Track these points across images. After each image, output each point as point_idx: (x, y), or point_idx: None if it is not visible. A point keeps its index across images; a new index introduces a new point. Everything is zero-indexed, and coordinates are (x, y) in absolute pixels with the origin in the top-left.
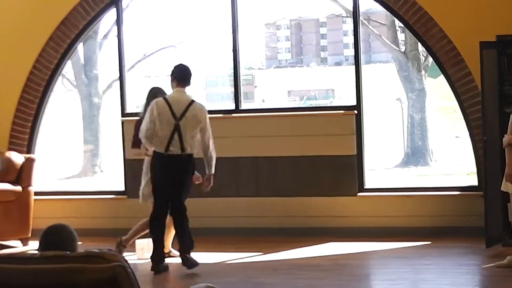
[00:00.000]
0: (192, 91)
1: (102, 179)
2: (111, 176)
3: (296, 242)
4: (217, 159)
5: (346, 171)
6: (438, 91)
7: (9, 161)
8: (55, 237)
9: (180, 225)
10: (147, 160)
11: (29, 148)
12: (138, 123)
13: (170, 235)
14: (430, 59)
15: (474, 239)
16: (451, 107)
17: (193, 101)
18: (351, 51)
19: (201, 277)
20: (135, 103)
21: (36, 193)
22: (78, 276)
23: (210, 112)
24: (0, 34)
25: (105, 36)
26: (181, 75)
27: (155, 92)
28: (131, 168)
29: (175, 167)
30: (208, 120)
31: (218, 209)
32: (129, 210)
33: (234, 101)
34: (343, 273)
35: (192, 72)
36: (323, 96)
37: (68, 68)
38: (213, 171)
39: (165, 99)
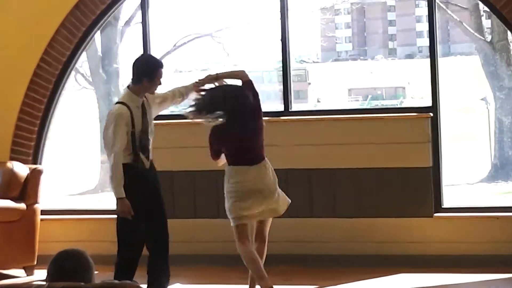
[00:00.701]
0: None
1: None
2: None
3: (358, 273)
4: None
5: (420, 187)
6: None
7: (12, 174)
8: (67, 265)
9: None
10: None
11: (35, 158)
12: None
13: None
14: None
15: None
16: None
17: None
18: (425, 41)
19: None
20: None
21: (43, 212)
22: None
23: None
24: (2, 21)
25: (128, 23)
26: None
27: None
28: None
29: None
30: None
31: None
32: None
33: (283, 101)
34: None
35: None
36: (392, 95)
37: (83, 62)
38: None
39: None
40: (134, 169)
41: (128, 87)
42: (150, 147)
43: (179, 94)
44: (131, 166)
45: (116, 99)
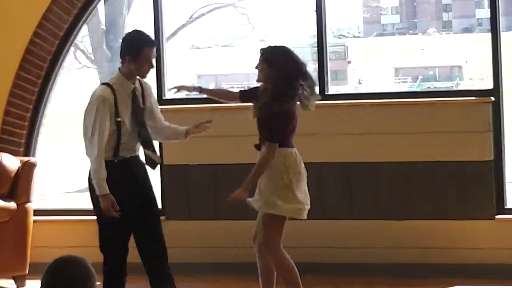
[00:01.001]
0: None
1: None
2: None
3: (408, 285)
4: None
5: (479, 184)
6: None
7: (0, 167)
8: (64, 275)
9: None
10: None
11: (27, 149)
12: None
13: None
14: None
15: None
16: None
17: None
18: (485, 12)
19: None
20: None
21: (36, 212)
22: None
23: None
24: None
25: None
26: None
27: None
28: (172, 178)
29: None
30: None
31: (290, 235)
32: (169, 237)
33: (318, 83)
34: None
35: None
36: (446, 76)
37: (83, 36)
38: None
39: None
40: (114, 166)
41: (119, 68)
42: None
43: (155, 123)
44: (110, 162)
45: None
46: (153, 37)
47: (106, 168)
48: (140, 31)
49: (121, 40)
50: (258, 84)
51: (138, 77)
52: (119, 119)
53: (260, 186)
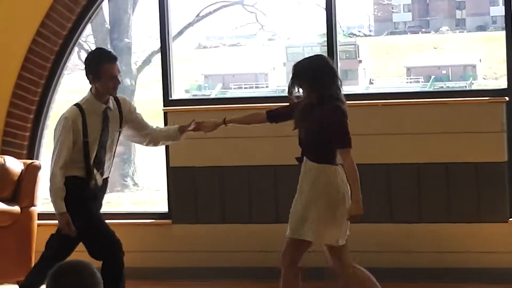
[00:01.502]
0: (267, 67)
1: (136, 196)
2: (149, 192)
3: None
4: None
5: (493, 186)
6: None
7: (3, 170)
8: (69, 280)
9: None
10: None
11: (30, 151)
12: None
13: None
14: None
15: None
16: None
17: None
18: (500, 10)
19: None
20: (185, 86)
21: (40, 216)
22: None
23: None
24: None
25: None
26: None
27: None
28: (178, 181)
29: None
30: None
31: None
32: (175, 241)
33: None
34: None
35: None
36: (459, 75)
37: (87, 36)
38: None
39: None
40: (82, 184)
41: (90, 89)
42: (108, 162)
43: (146, 132)
44: (79, 181)
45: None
46: (158, 36)
47: (76, 185)
48: (100, 48)
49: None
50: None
51: (109, 96)
52: (86, 140)
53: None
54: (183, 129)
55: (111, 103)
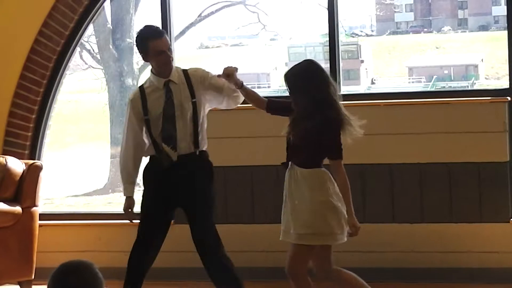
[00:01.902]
0: (269, 67)
1: (137, 195)
2: None
3: None
4: None
5: (495, 186)
6: None
7: (4, 170)
8: (72, 281)
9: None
10: None
11: (32, 152)
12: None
13: None
14: None
15: None
16: None
17: None
18: (502, 9)
19: None
20: None
21: (42, 216)
22: None
23: None
24: None
25: None
26: None
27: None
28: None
29: None
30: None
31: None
32: (178, 242)
33: None
34: None
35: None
36: (461, 75)
37: (89, 36)
38: None
39: None
40: (154, 163)
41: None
42: (184, 137)
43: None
44: (152, 160)
45: (128, 80)
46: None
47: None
48: (146, 26)
49: None
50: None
51: (178, 69)
52: (146, 117)
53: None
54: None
55: (175, 76)
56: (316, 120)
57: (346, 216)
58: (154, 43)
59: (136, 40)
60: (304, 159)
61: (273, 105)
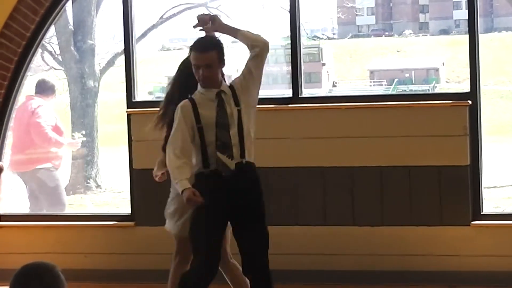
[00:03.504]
0: (231, 70)
1: (99, 197)
2: (112, 194)
3: None
4: None
5: (455, 190)
6: None
7: None
8: (33, 283)
9: None
10: None
11: None
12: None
13: None
14: None
15: None
16: None
17: None
18: (463, 14)
19: None
20: (148, 88)
21: (3, 218)
22: None
23: (259, 101)
24: None
25: None
26: None
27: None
28: (142, 183)
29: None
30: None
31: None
32: (138, 243)
33: (291, 85)
34: None
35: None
36: (422, 79)
37: (51, 37)
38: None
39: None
40: (208, 176)
41: None
42: (238, 145)
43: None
44: (206, 172)
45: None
46: (122, 38)
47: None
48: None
49: None
50: None
51: (224, 82)
52: (200, 125)
53: None
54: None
55: (225, 87)
56: None
57: None
58: (193, 56)
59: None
60: None
61: None
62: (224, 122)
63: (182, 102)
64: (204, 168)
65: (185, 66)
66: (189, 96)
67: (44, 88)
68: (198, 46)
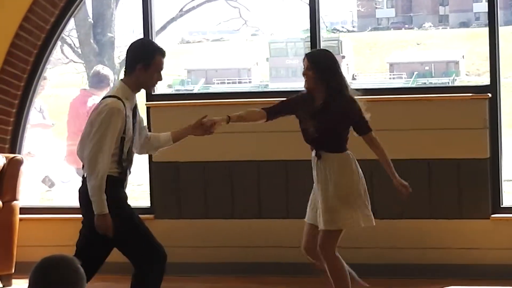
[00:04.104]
0: (250, 63)
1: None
2: (131, 187)
3: (403, 285)
4: None
5: (475, 183)
6: None
7: None
8: (53, 275)
9: None
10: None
11: (13, 146)
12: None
13: None
14: None
15: None
16: None
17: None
18: (483, 6)
19: None
20: (168, 81)
21: (23, 210)
22: None
23: (274, 94)
24: None
25: None
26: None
27: None
28: (161, 176)
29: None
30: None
31: (269, 235)
32: (158, 236)
33: None
34: None
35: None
36: (442, 71)
37: (70, 30)
38: None
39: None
40: (118, 184)
41: (121, 80)
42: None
43: (147, 136)
44: (116, 180)
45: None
46: (141, 31)
47: (111, 184)
48: (149, 40)
49: (127, 50)
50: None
51: (145, 89)
52: (123, 136)
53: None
54: (181, 135)
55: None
56: (337, 105)
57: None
58: (160, 58)
59: (141, 48)
60: (331, 145)
61: (273, 111)
62: (134, 138)
63: (118, 103)
64: (118, 175)
65: None
66: (116, 95)
67: (98, 81)
68: (163, 51)
